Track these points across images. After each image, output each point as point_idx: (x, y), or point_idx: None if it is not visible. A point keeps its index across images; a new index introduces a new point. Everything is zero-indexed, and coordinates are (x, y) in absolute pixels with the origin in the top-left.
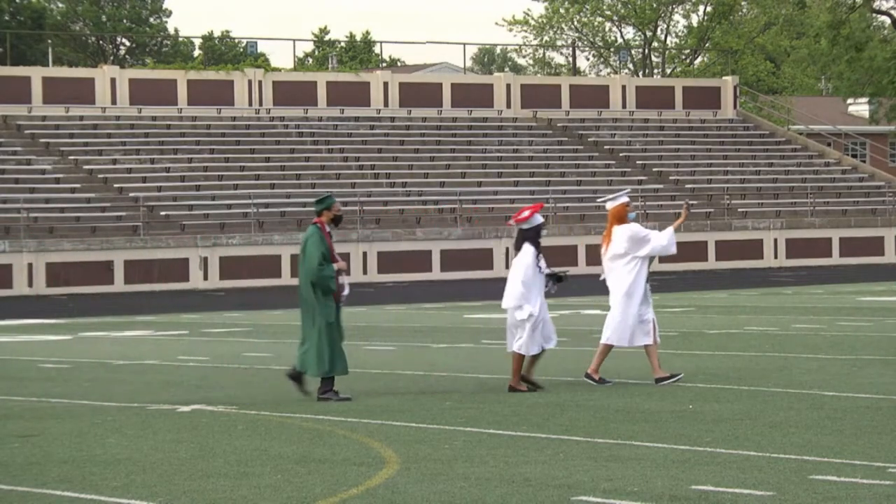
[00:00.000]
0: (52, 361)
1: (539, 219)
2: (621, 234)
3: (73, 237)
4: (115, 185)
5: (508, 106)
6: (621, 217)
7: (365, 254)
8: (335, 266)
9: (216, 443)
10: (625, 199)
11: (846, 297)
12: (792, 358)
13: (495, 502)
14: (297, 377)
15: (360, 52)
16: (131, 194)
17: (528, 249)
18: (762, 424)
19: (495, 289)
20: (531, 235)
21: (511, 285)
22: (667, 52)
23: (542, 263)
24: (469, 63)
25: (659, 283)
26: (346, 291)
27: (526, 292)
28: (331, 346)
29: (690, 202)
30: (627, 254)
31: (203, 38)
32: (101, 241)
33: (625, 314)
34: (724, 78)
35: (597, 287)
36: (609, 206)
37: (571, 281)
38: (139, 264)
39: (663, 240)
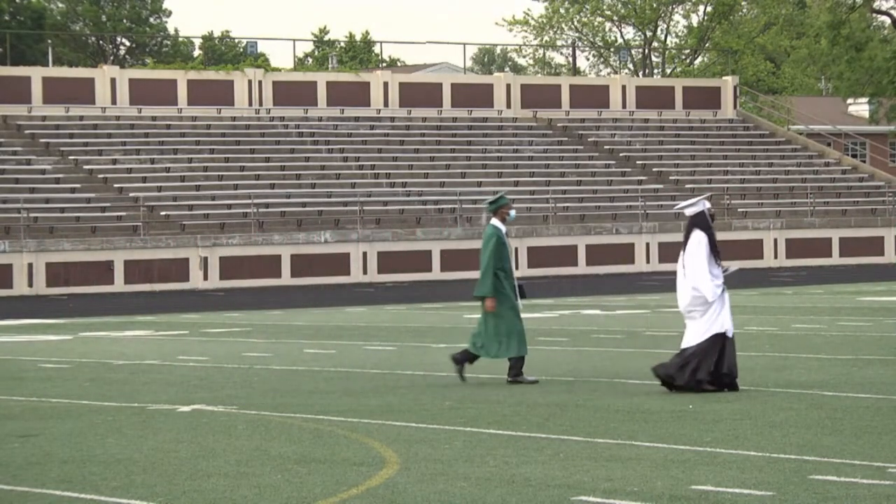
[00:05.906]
0: (52, 361)
1: None
2: None
3: (73, 237)
4: (115, 185)
5: (508, 106)
6: None
7: (365, 254)
8: None
9: (216, 443)
10: None
11: (846, 297)
12: (792, 358)
13: (495, 502)
14: None
15: (360, 52)
16: (131, 194)
17: None
18: (762, 424)
19: None
20: None
21: None
22: (667, 52)
23: None
24: (469, 63)
25: (659, 282)
26: None
27: None
28: None
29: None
30: None
31: (203, 38)
32: (101, 241)
33: None
34: (724, 78)
35: (597, 287)
36: None
37: (571, 281)
38: (139, 264)
39: None
